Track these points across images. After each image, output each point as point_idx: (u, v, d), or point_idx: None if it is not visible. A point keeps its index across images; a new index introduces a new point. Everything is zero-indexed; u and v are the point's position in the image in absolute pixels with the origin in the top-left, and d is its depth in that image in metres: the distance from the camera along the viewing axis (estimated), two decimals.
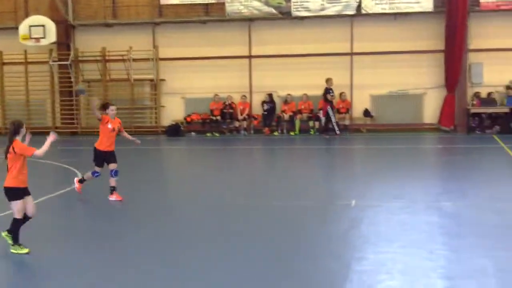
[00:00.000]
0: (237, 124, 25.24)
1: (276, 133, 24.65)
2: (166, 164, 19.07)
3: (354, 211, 11.17)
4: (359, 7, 24.00)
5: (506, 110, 22.73)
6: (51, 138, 8.81)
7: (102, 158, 12.27)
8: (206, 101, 25.43)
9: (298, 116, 24.65)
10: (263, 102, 25.08)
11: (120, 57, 25.87)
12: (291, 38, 24.87)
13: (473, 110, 23.18)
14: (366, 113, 24.73)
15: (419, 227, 9.92)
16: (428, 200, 11.92)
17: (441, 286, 7.25)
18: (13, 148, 8.68)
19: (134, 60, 25.85)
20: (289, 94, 24.86)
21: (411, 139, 22.25)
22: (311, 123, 24.62)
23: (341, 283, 7.40)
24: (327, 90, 23.50)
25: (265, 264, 8.21)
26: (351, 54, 24.64)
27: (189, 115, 25.85)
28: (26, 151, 8.72)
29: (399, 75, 24.23)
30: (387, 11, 23.89)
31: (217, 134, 24.85)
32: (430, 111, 24.33)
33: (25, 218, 8.93)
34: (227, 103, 25.04)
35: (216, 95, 25.24)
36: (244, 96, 25.31)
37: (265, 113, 24.93)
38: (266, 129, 24.85)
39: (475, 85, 23.80)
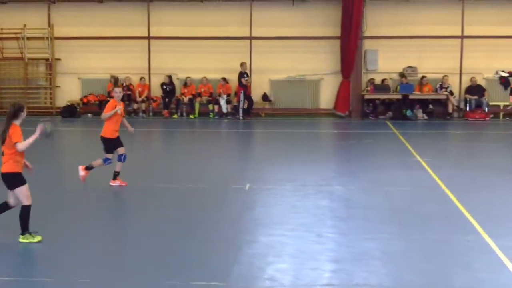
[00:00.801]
0: (135, 106, 24.90)
1: (175, 116, 24.49)
2: (57, 146, 18.52)
3: (248, 194, 11.29)
4: None
5: (398, 96, 23.49)
6: (38, 131, 8.26)
7: (112, 144, 11.79)
8: (103, 82, 24.93)
9: (198, 99, 24.58)
10: (162, 84, 24.84)
11: (14, 35, 24.97)
12: (191, 20, 24.72)
13: (367, 97, 23.83)
14: (265, 97, 24.95)
15: (310, 210, 10.14)
16: (320, 183, 12.19)
17: (329, 269, 7.44)
18: (9, 133, 8.18)
19: (29, 38, 25.01)
20: (188, 77, 24.73)
21: (308, 124, 22.65)
22: (210, 107, 24.62)
23: (231, 266, 7.47)
24: (242, 74, 23.58)
25: (155, 250, 8.18)
26: (250, 38, 24.75)
27: (85, 96, 25.27)
28: (15, 137, 8.15)
29: (297, 61, 24.54)
30: None
31: None
32: (327, 97, 24.82)
33: (8, 207, 8.50)
34: (125, 84, 24.64)
35: (113, 77, 24.75)
36: (143, 78, 24.99)
37: (164, 95, 24.72)
38: (165, 112, 24.65)
39: (370, 71, 24.44)
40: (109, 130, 11.74)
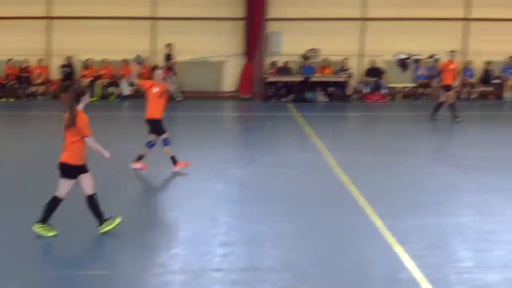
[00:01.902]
0: (33, 89, 24.16)
1: None
2: None
3: (143, 179, 11.19)
4: None
5: (300, 79, 23.77)
6: (106, 154, 8.04)
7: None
8: (0, 64, 24.04)
9: (99, 81, 24.09)
10: (62, 66, 24.19)
11: None
12: None
13: (270, 79, 24.01)
14: None
15: (205, 194, 10.18)
16: (217, 167, 12.22)
17: (219, 253, 7.51)
18: (75, 120, 7.68)
19: None
20: (89, 58, 24.18)
21: (211, 107, 22.59)
22: (111, 89, 24.17)
23: (120, 255, 7.42)
24: (167, 56, 23.19)
25: (44, 240, 7.99)
26: (153, 18, 24.40)
27: None
28: (85, 130, 7.76)
29: (200, 42, 24.37)
30: None
31: (12, 99, 23.62)
32: (230, 79, 24.82)
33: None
34: (22, 66, 23.84)
35: (11, 59, 23.90)
36: (41, 59, 24.25)
37: (63, 77, 24.07)
38: (63, 95, 24.01)
39: (274, 54, 24.59)
40: (158, 110, 11.72)
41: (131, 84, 23.12)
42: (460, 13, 23.80)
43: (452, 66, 18.68)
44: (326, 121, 19.09)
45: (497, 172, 11.79)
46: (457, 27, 23.89)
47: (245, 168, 12.25)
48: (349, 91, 23.89)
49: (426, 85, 23.73)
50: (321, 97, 23.81)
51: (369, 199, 9.79)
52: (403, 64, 24.44)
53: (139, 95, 21.51)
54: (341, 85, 24.01)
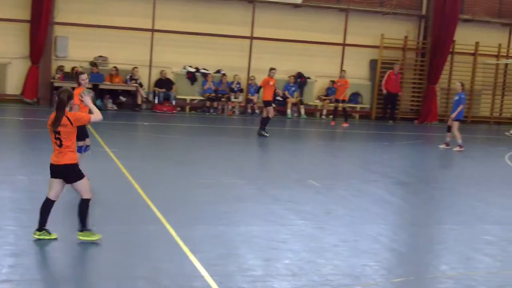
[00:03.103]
0: None
1: None
2: None
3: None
4: None
5: (88, 86, 23.24)
6: (87, 98, 8.34)
7: None
8: None
9: None
10: None
11: None
12: None
13: (56, 84, 23.22)
14: None
15: None
16: (3, 173, 11.59)
17: (7, 264, 7.12)
18: (69, 120, 7.78)
19: None
20: None
21: None
22: None
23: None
24: None
25: None
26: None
27: None
28: (83, 119, 8.02)
29: None
30: None
31: None
32: (14, 82, 23.65)
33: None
34: None
35: None
36: None
37: None
38: None
39: (60, 58, 23.86)
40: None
41: None
42: (247, 32, 24.79)
43: (271, 83, 19.40)
44: (116, 129, 18.85)
45: (283, 184, 12.44)
46: (244, 44, 24.85)
47: (33, 175, 11.72)
48: (139, 100, 23.85)
49: (213, 99, 24.37)
50: (110, 105, 23.52)
51: (161, 208, 9.84)
52: (191, 76, 24.90)
53: None
54: (131, 94, 23.90)
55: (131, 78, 23.92)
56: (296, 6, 24.85)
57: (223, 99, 24.53)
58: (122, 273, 7.20)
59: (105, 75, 23.66)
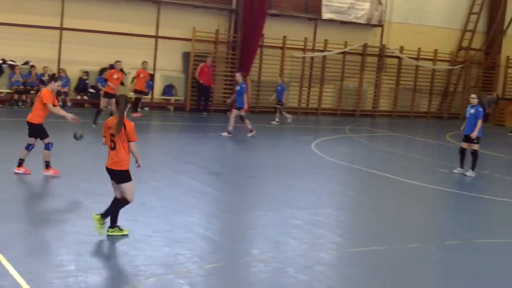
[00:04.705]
0: None
1: None
2: None
3: None
4: None
5: None
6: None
7: None
8: None
9: None
10: None
11: None
12: None
13: None
14: None
15: None
16: None
17: None
18: (125, 127, 8.34)
19: None
20: None
21: None
22: None
23: None
24: None
25: None
26: None
27: None
28: (134, 136, 8.50)
29: None
30: None
31: None
32: None
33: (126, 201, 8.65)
34: None
35: None
36: None
37: None
38: None
39: None
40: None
41: None
42: (56, 22, 23.94)
43: (115, 76, 19.71)
44: None
45: (95, 177, 12.23)
46: (54, 35, 23.97)
47: None
48: None
49: (21, 92, 23.33)
50: None
51: None
52: None
53: None
54: None
55: None
56: None
57: (32, 92, 23.53)
58: None
59: None
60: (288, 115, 24.48)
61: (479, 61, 32.57)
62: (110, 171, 8.60)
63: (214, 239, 9.18)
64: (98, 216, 8.54)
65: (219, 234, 9.58)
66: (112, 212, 8.62)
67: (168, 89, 26.18)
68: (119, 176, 8.56)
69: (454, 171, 16.17)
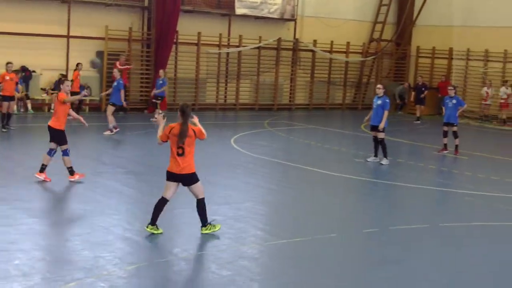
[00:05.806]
0: None
1: None
2: None
3: None
4: None
5: None
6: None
7: None
8: None
9: None
10: None
11: None
12: None
13: None
14: None
15: None
16: None
17: None
18: (194, 132, 8.85)
19: None
20: None
21: None
22: None
23: None
24: None
25: None
26: None
27: None
28: (203, 134, 9.02)
29: None
30: None
31: None
32: None
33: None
34: None
35: None
36: None
37: None
38: None
39: None
40: None
41: None
42: None
43: (8, 77, 19.25)
44: None
45: (10, 183, 11.89)
46: None
47: None
48: None
49: None
50: None
51: None
52: None
53: None
54: None
55: None
56: None
57: None
58: None
59: None
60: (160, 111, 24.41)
61: (390, 51, 33.39)
62: (178, 176, 8.99)
63: (134, 240, 9.09)
64: (203, 228, 9.28)
65: (139, 234, 9.48)
66: (203, 214, 9.24)
67: (83, 89, 25.65)
68: (191, 179, 9.06)
69: (368, 159, 16.60)
